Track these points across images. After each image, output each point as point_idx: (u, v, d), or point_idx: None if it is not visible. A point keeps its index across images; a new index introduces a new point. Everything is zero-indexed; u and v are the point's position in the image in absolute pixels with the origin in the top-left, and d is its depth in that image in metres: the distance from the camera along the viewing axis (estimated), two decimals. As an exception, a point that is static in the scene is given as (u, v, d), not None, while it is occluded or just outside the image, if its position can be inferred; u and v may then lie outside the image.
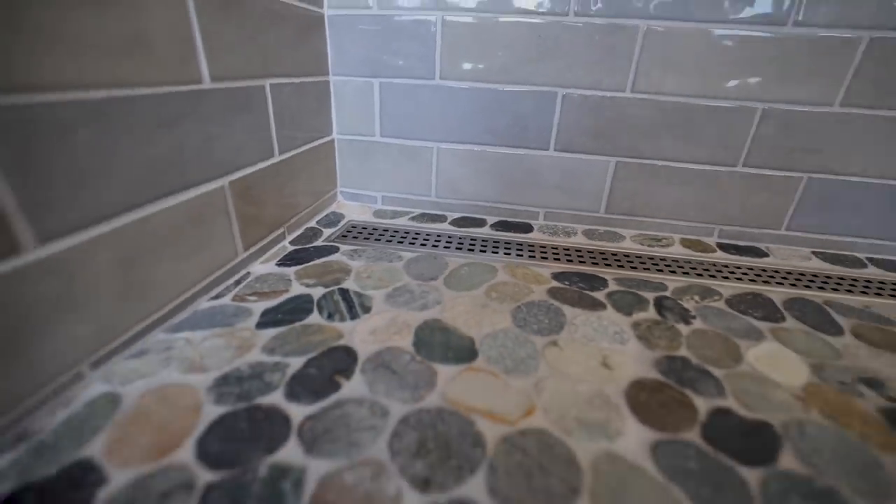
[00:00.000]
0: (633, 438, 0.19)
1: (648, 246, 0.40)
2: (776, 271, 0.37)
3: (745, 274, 0.36)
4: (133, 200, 0.21)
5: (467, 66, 0.39)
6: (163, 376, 0.21)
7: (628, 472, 0.17)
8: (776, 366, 0.24)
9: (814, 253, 0.41)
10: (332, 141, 0.43)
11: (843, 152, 0.37)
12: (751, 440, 0.19)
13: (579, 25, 0.36)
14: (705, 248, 0.41)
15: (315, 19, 0.37)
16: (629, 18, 0.35)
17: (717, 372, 0.23)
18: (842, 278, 0.36)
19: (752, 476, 0.17)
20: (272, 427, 0.19)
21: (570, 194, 0.42)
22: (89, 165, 0.19)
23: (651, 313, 0.29)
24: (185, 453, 0.17)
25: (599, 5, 0.35)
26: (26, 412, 0.18)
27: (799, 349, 0.26)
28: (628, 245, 0.40)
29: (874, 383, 0.23)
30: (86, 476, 0.16)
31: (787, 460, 0.18)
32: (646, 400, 0.21)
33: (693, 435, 0.19)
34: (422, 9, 0.37)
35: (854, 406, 0.22)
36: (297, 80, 0.35)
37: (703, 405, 0.21)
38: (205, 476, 0.16)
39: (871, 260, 0.40)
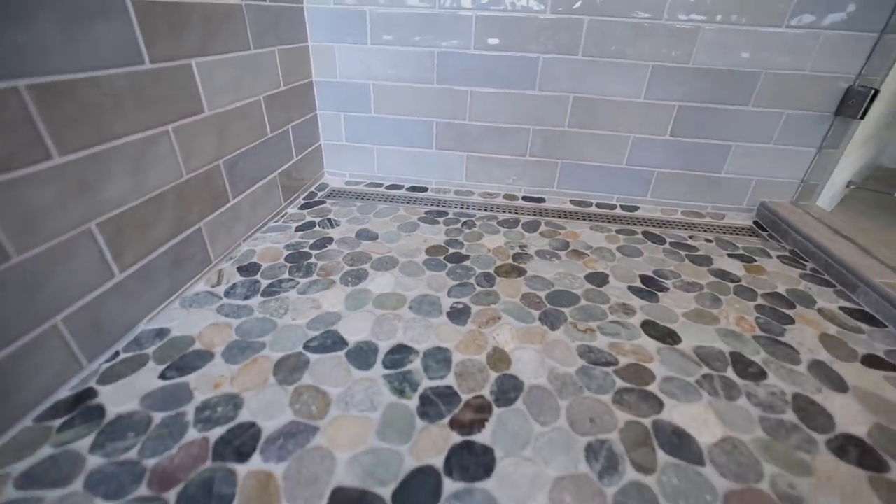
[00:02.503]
0: (424, 259, 0.59)
1: (492, 198, 0.79)
2: (551, 209, 0.76)
3: (534, 210, 0.75)
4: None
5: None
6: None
7: (417, 265, 0.57)
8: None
9: (571, 201, 0.80)
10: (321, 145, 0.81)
11: (578, 148, 0.76)
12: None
13: (440, 88, 0.73)
14: (514, 198, 0.80)
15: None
16: (462, 86, 0.72)
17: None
18: (577, 211, 0.76)
19: (455, 266, 0.58)
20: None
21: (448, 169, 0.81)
22: (241, 173, 0.57)
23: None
24: (281, 262, 0.57)
25: None
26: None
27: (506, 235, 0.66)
28: (476, 199, 0.79)
29: (526, 248, 0.63)
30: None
31: (471, 263, 0.58)
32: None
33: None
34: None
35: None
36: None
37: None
38: (289, 266, 0.56)
39: (597, 204, 0.80)
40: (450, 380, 0.39)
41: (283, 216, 0.68)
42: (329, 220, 0.68)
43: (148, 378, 0.38)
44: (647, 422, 0.36)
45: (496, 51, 0.69)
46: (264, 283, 0.52)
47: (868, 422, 0.37)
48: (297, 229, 0.65)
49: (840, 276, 0.58)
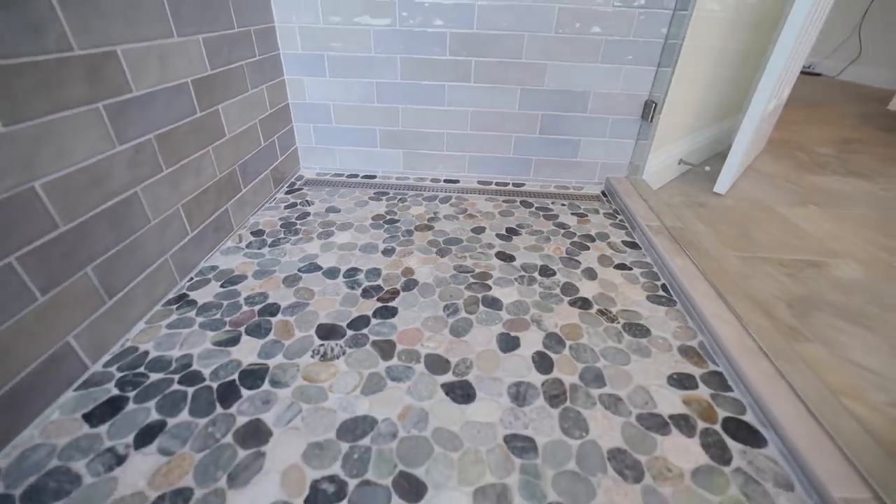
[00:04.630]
0: (370, 223, 0.92)
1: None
2: (462, 188, 1.10)
3: (450, 189, 1.09)
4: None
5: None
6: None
7: (366, 227, 0.90)
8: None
9: (478, 181, 1.14)
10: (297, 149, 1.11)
11: (479, 144, 1.09)
12: (396, 222, 0.93)
13: (380, 105, 1.05)
14: (438, 181, 1.13)
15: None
16: (395, 104, 1.04)
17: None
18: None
19: (391, 226, 0.91)
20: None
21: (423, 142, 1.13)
22: (247, 171, 0.88)
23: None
24: (278, 228, 0.89)
25: None
26: (243, 223, 0.89)
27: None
28: (410, 182, 1.12)
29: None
30: (260, 231, 0.88)
31: (401, 224, 0.92)
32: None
33: (384, 222, 0.92)
34: (324, 100, 1.05)
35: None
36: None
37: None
38: (283, 230, 0.88)
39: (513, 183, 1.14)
40: (379, 282, 0.73)
41: (274, 199, 1.00)
42: (307, 200, 1.00)
43: (213, 287, 0.70)
44: (480, 295, 0.71)
45: (416, 80, 1.01)
46: (269, 240, 0.84)
47: (597, 291, 0.73)
48: (286, 207, 0.96)
49: (630, 222, 0.95)
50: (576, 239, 0.89)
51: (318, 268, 0.76)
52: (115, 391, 0.52)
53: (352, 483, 0.43)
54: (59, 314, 0.49)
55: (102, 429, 0.47)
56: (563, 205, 1.04)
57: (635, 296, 0.73)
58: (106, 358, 0.56)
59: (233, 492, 0.42)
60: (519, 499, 0.43)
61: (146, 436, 0.47)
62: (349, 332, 0.62)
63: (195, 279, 0.72)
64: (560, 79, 0.99)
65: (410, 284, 0.73)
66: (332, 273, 0.75)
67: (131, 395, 0.51)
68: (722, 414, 0.53)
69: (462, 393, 0.54)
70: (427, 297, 0.70)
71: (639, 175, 1.12)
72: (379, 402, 0.52)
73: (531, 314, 0.67)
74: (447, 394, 0.53)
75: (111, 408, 0.50)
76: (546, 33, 0.94)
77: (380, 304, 0.68)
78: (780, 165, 1.42)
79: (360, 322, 0.64)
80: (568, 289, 0.74)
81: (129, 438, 0.46)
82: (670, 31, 0.93)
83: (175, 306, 0.66)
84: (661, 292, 0.74)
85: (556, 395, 0.54)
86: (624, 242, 0.89)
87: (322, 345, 0.60)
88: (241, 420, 0.49)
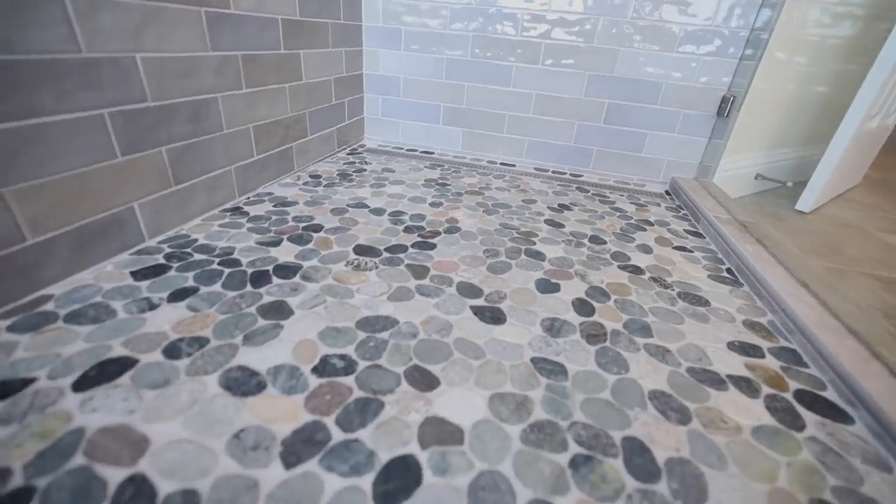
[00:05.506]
0: (422, 184, 0.93)
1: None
2: (518, 171, 1.09)
3: (506, 171, 1.08)
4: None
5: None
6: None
7: (417, 186, 0.91)
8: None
9: (534, 168, 1.12)
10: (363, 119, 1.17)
11: (540, 130, 1.08)
12: (447, 186, 0.93)
13: (447, 82, 1.08)
14: (494, 163, 1.13)
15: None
16: (462, 82, 1.07)
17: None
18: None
19: (441, 189, 0.91)
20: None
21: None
22: (316, 121, 0.93)
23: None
24: (334, 177, 0.92)
25: None
26: (304, 169, 0.93)
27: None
28: (466, 161, 1.13)
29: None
30: (318, 177, 0.91)
31: (451, 188, 0.92)
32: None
33: (435, 185, 0.93)
34: (396, 73, 1.10)
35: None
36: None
37: (443, 183, 0.94)
38: (338, 179, 0.91)
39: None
40: (423, 224, 0.72)
41: (335, 156, 1.04)
42: (365, 161, 1.03)
43: (266, 206, 0.73)
44: (523, 247, 0.68)
45: (485, 59, 1.03)
46: (324, 182, 0.87)
47: (650, 263, 0.68)
48: (344, 163, 1.00)
49: (695, 214, 0.88)
50: (632, 221, 0.84)
51: (366, 206, 0.77)
52: (162, 261, 0.54)
53: (362, 364, 0.41)
54: (131, 178, 0.54)
55: (144, 283, 0.49)
56: (620, 195, 0.99)
57: (695, 272, 0.66)
58: (160, 237, 0.60)
59: (246, 348, 0.42)
60: (540, 411, 0.38)
61: (179, 295, 0.48)
62: (385, 254, 0.61)
63: (251, 198, 0.76)
64: (631, 66, 0.97)
65: (453, 230, 0.72)
66: (378, 211, 0.76)
67: (175, 265, 0.54)
68: (794, 385, 0.45)
69: (492, 316, 0.50)
70: (468, 241, 0.68)
71: (709, 178, 1.05)
72: (404, 308, 0.50)
73: (575, 269, 0.63)
74: (475, 314, 0.50)
75: (155, 271, 0.52)
76: (621, 17, 0.93)
77: (419, 239, 0.67)
78: (878, 198, 1.27)
79: (397, 248, 0.63)
80: (619, 256, 0.69)
81: (165, 294, 0.48)
82: (758, 18, 0.88)
83: (229, 213, 0.69)
84: (725, 274, 0.67)
85: (594, 334, 0.49)
86: (686, 231, 0.82)
87: (357, 259, 0.60)
88: (268, 299, 0.49)
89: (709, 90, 0.96)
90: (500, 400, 0.39)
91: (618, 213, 0.87)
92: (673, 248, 0.74)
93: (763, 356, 0.49)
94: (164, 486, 0.29)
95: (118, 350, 0.40)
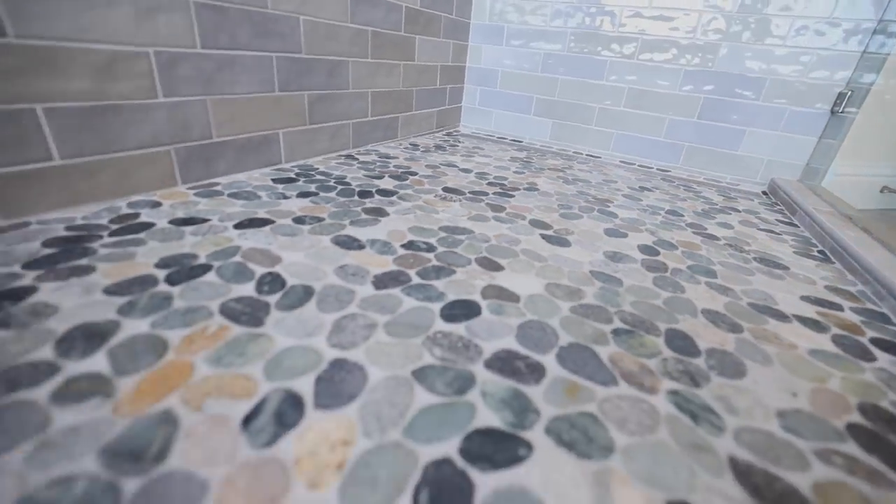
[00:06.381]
0: (507, 159, 1.01)
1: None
2: (603, 163, 1.12)
3: (591, 160, 1.12)
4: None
5: (507, 85, 1.21)
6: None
7: (502, 161, 0.99)
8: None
9: (620, 160, 1.14)
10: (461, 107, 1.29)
11: (629, 123, 1.11)
12: (531, 163, 0.99)
13: (542, 76, 1.16)
14: (580, 153, 1.17)
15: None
16: (556, 75, 1.14)
17: (538, 161, 1.03)
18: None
19: (525, 164, 0.98)
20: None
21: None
22: (420, 100, 1.07)
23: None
24: (430, 148, 1.04)
25: None
26: (405, 140, 1.06)
27: (567, 164, 1.04)
28: (552, 151, 1.18)
29: (574, 167, 1.01)
30: (416, 147, 1.04)
31: (534, 165, 0.98)
32: (515, 159, 1.02)
33: (520, 161, 1.00)
34: (495, 67, 1.21)
35: (562, 166, 1.00)
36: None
37: (527, 161, 1.01)
38: (433, 150, 1.03)
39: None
40: (506, 182, 0.80)
41: (432, 134, 1.17)
42: (458, 140, 1.14)
43: (373, 157, 0.86)
44: (596, 207, 0.72)
45: (580, 53, 1.10)
46: (421, 149, 0.99)
47: (729, 234, 0.67)
48: (440, 140, 1.12)
49: (791, 208, 0.83)
50: (717, 206, 0.83)
51: (456, 166, 0.87)
52: (293, 176, 0.68)
53: (441, 248, 0.49)
54: (281, 111, 0.69)
55: (280, 186, 0.63)
56: (710, 189, 0.97)
57: (779, 247, 0.64)
58: (293, 163, 0.75)
59: (351, 227, 0.52)
60: (591, 298, 0.43)
61: (305, 195, 0.61)
62: (468, 195, 0.70)
63: (361, 151, 0.90)
64: (733, 60, 0.96)
65: (532, 190, 0.78)
66: (466, 171, 0.85)
67: (302, 179, 0.67)
68: (872, 334, 0.43)
69: (558, 240, 0.56)
70: (545, 197, 0.74)
71: (817, 181, 0.98)
72: (480, 225, 0.57)
73: (647, 227, 0.66)
74: (543, 238, 0.56)
75: (289, 180, 0.66)
76: (728, 10, 0.94)
77: (500, 190, 0.74)
78: None
79: (480, 193, 0.71)
80: (695, 226, 0.69)
81: (294, 193, 0.61)
82: (890, 8, 0.83)
83: (343, 157, 0.83)
84: (815, 253, 0.64)
85: (655, 266, 0.52)
86: (778, 220, 0.79)
87: (444, 194, 0.69)
88: (370, 205, 0.60)
89: (822, 85, 0.92)
90: (555, 286, 0.44)
91: (701, 199, 0.86)
92: (758, 229, 0.72)
93: (841, 310, 0.47)
94: (291, 280, 0.39)
95: (262, 214, 0.52)
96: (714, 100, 1.01)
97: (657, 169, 1.09)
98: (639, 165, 1.11)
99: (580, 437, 0.26)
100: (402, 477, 0.22)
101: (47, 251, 0.39)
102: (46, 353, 0.28)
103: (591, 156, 1.16)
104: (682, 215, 0.74)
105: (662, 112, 1.07)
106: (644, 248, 0.57)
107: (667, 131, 1.08)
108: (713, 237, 0.65)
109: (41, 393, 0.25)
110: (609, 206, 0.73)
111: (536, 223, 0.61)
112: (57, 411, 0.24)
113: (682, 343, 0.37)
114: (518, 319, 0.37)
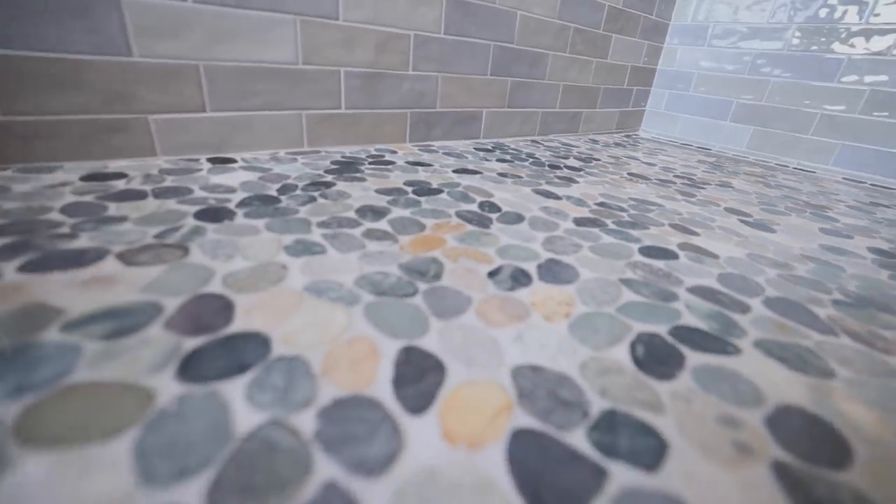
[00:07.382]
0: (694, 161, 0.95)
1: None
2: (818, 178, 0.98)
3: (799, 175, 0.99)
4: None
5: (703, 89, 1.14)
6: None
7: (688, 161, 0.95)
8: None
9: (843, 177, 0.97)
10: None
11: (861, 135, 0.94)
12: (722, 167, 0.92)
13: (748, 78, 1.06)
14: (786, 167, 1.03)
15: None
16: None
17: (731, 166, 0.95)
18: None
19: (715, 167, 0.92)
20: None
21: (733, 140, 1.12)
22: (606, 98, 1.09)
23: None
24: (608, 144, 1.05)
25: None
26: (583, 135, 1.10)
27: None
28: (748, 160, 1.07)
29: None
30: (594, 142, 1.06)
31: (727, 169, 0.91)
32: (704, 161, 0.96)
33: (709, 164, 0.94)
34: (691, 70, 1.15)
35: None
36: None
37: (718, 165, 0.94)
38: (612, 146, 1.04)
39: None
40: (695, 179, 0.77)
41: (612, 134, 1.17)
42: (638, 141, 1.12)
43: (556, 144, 0.92)
44: (810, 212, 0.64)
45: (807, 51, 0.97)
46: (601, 144, 1.01)
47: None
48: (618, 139, 1.12)
49: None
50: None
51: (638, 160, 0.87)
52: (490, 148, 0.78)
53: (632, 210, 0.51)
54: (488, 92, 0.80)
55: (481, 153, 0.74)
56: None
57: None
58: (488, 140, 0.85)
59: (547, 186, 0.58)
60: (804, 273, 0.40)
61: (502, 161, 0.70)
62: (654, 180, 0.70)
63: (545, 138, 0.96)
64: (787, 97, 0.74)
65: (725, 186, 0.73)
66: (649, 165, 0.84)
67: (497, 152, 0.77)
68: None
69: (760, 225, 0.53)
70: (741, 195, 0.69)
71: None
72: (671, 202, 0.58)
73: (882, 235, 0.56)
74: (742, 222, 0.53)
75: (487, 151, 0.76)
76: None
77: (688, 183, 0.72)
78: None
79: (666, 182, 0.71)
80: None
81: (493, 159, 0.70)
82: None
83: (530, 141, 0.91)
84: None
85: (891, 265, 0.45)
86: None
87: (629, 178, 0.70)
88: (560, 175, 0.65)
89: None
90: (759, 256, 0.43)
91: None
92: None
93: None
94: (505, 208, 0.47)
95: (471, 168, 0.62)
96: None
97: (896, 190, 0.90)
98: (871, 185, 0.93)
99: (794, 358, 0.27)
100: (618, 333, 0.27)
101: (334, 167, 0.55)
102: (351, 214, 0.40)
103: (801, 169, 1.01)
104: (935, 233, 0.61)
105: (916, 122, 0.88)
106: (876, 250, 0.49)
107: (919, 146, 0.88)
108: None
109: (357, 232, 0.36)
110: (827, 213, 0.64)
111: (733, 210, 0.58)
112: (367, 241, 0.35)
113: None
114: (718, 270, 0.38)
